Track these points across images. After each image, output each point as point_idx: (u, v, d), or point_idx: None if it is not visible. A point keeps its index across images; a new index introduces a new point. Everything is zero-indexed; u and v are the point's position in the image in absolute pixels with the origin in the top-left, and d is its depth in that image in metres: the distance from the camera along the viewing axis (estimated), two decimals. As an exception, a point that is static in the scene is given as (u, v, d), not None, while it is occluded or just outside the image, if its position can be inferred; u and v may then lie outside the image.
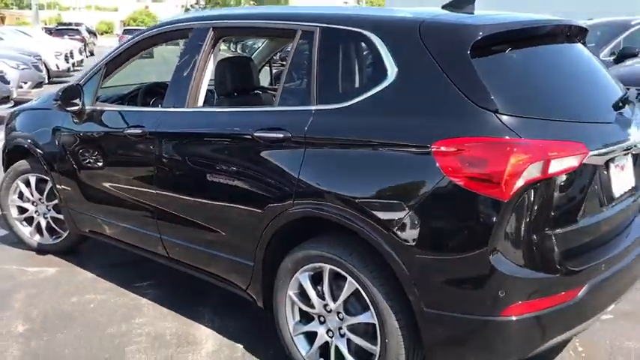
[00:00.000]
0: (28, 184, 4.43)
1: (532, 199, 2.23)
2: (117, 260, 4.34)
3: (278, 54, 5.43)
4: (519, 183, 2.17)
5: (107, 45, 39.13)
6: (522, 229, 2.24)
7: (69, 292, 3.87)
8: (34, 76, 13.19)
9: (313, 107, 2.70)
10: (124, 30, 38.55)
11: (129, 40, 3.82)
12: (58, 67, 17.67)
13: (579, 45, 2.95)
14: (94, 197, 3.83)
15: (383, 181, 2.45)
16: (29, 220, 4.53)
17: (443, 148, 2.27)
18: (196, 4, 59.75)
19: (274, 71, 4.93)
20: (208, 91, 3.45)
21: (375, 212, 2.41)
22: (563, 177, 2.31)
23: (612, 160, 2.58)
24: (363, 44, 2.67)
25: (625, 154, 2.66)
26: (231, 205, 2.99)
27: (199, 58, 3.28)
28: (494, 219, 2.20)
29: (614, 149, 2.53)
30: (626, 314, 3.60)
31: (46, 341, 3.27)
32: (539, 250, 2.29)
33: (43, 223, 4.46)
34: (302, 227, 2.76)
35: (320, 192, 2.60)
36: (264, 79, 4.66)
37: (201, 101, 3.32)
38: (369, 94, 2.55)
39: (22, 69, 12.73)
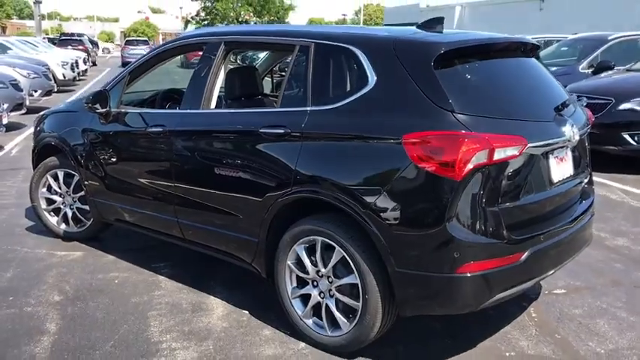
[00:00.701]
0: (56, 178, 5.00)
1: (480, 180, 2.82)
2: (134, 245, 4.91)
3: (277, 65, 6.02)
4: (469, 167, 2.77)
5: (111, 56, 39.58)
6: (473, 203, 2.83)
7: (95, 271, 4.44)
8: (44, 85, 13.79)
9: (309, 108, 3.30)
10: (126, 41, 39.22)
11: (149, 53, 4.43)
12: (64, 77, 18.32)
13: (531, 58, 3.56)
14: (118, 188, 4.40)
15: (364, 167, 3.04)
16: (56, 211, 5.09)
17: (411, 140, 2.86)
18: (196, 16, 60.50)
19: (275, 80, 5.54)
20: (218, 96, 4.04)
21: (357, 193, 3.00)
22: (507, 163, 2.90)
23: (551, 151, 3.17)
24: (350, 57, 3.26)
25: (563, 148, 3.26)
26: (240, 190, 3.57)
27: (212, 68, 3.88)
28: (450, 195, 2.79)
29: (551, 143, 3.13)
30: (577, 289, 4.19)
31: (79, 308, 3.84)
32: (488, 220, 2.87)
33: (69, 214, 5.02)
34: (299, 208, 3.34)
35: (314, 178, 3.18)
36: (267, 87, 5.26)
37: (213, 104, 3.91)
38: (354, 97, 3.15)
39: (33, 77, 13.35)
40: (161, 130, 4.00)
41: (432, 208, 2.84)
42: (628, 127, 7.55)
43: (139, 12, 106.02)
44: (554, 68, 10.64)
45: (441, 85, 2.92)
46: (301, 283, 3.41)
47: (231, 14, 59.42)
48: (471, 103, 2.96)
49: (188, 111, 3.94)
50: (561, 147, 3.24)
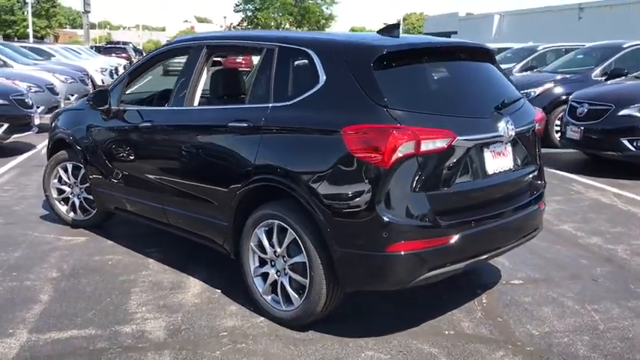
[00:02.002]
0: (65, 170, 5.50)
1: (408, 168, 3.13)
2: (133, 233, 5.35)
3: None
4: (396, 156, 3.08)
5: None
6: (401, 189, 3.14)
7: (93, 253, 4.89)
8: (80, 89, 14.56)
9: (270, 104, 3.67)
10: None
11: (145, 56, 4.88)
12: (102, 82, 19.20)
13: (482, 62, 3.86)
14: (117, 179, 4.85)
15: (310, 157, 3.38)
16: (66, 200, 5.58)
17: (348, 132, 3.19)
18: (238, 25, 61.79)
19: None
20: (205, 95, 4.45)
21: (304, 180, 3.34)
22: (436, 154, 3.20)
23: (486, 145, 3.45)
24: (306, 59, 3.62)
25: (499, 143, 3.52)
26: (212, 179, 3.95)
27: (195, 69, 4.29)
28: (380, 181, 3.12)
29: (484, 137, 3.41)
30: (535, 280, 4.42)
31: (72, 283, 4.28)
32: (416, 205, 3.17)
33: (77, 203, 5.51)
34: (260, 195, 3.70)
35: (270, 167, 3.54)
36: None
37: (196, 102, 4.31)
38: (307, 94, 3.50)
39: (70, 82, 14.13)
40: (149, 125, 4.43)
41: (365, 193, 3.16)
42: (627, 133, 7.66)
43: (184, 21, 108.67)
44: (569, 75, 10.77)
45: (377, 84, 3.25)
46: (262, 262, 3.76)
47: (272, 23, 60.52)
48: (406, 100, 3.28)
49: (173, 108, 4.36)
50: (497, 142, 3.51)
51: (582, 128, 8.13)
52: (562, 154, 9.45)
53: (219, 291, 4.16)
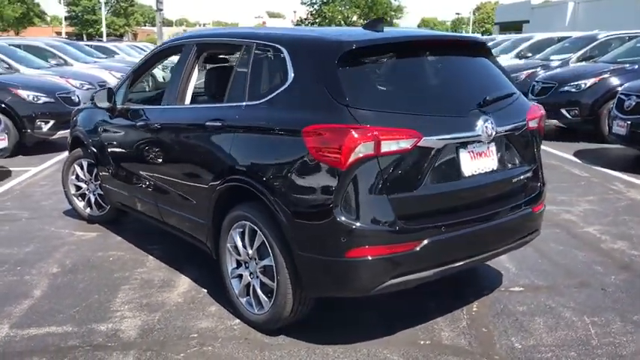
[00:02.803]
0: (81, 167, 5.64)
1: (368, 170, 2.97)
2: (142, 229, 5.41)
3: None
4: (353, 157, 2.93)
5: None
6: (361, 192, 2.99)
7: (98, 249, 4.99)
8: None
9: (244, 103, 3.60)
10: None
11: (146, 55, 4.92)
12: (164, 79, 19.67)
13: (468, 56, 3.62)
14: (119, 175, 4.92)
15: (274, 157, 3.28)
16: (83, 196, 5.74)
17: (308, 132, 3.07)
18: (305, 19, 62.01)
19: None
20: (199, 92, 4.42)
21: (268, 181, 3.25)
22: (398, 155, 3.02)
23: (463, 145, 3.24)
24: (278, 56, 3.51)
25: (479, 143, 3.29)
26: (193, 177, 3.93)
27: (186, 67, 4.28)
28: (337, 184, 2.98)
29: (458, 137, 3.20)
30: (537, 287, 4.14)
31: (68, 279, 4.38)
32: (376, 209, 3.01)
33: (92, 199, 5.64)
34: (235, 195, 3.63)
35: (240, 167, 3.47)
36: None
37: (187, 100, 4.30)
38: (276, 92, 3.40)
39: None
40: (144, 123, 4.46)
41: (323, 196, 3.03)
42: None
43: (256, 17, 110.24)
44: (627, 65, 10.12)
45: (341, 82, 3.10)
46: (238, 264, 3.71)
47: (339, 17, 60.29)
48: (371, 98, 3.12)
49: (163, 106, 4.37)
50: (476, 142, 3.28)
51: (629, 123, 7.60)
52: (612, 149, 8.88)
53: (205, 291, 4.14)
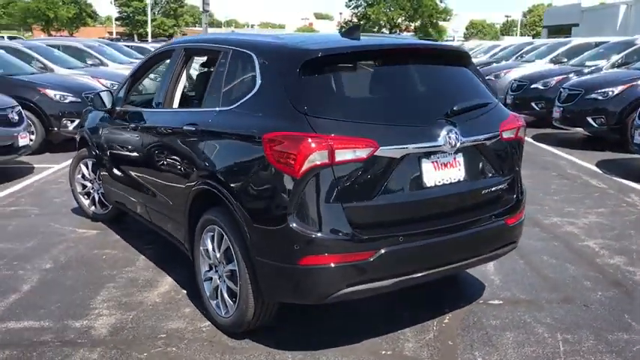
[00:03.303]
0: (87, 166, 5.81)
1: (322, 178, 2.97)
2: (140, 229, 5.51)
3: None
4: (307, 165, 2.94)
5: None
6: (314, 200, 2.99)
7: (94, 247, 5.13)
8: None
9: (218, 108, 3.65)
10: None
11: (143, 60, 5.04)
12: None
13: (440, 64, 3.58)
14: (114, 175, 5.05)
15: (238, 163, 3.33)
16: (88, 194, 5.91)
17: (266, 139, 3.09)
18: (350, 21, 62.02)
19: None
20: (185, 96, 4.50)
21: (232, 187, 3.29)
22: (354, 164, 3.01)
23: (426, 155, 3.20)
24: (250, 62, 3.55)
25: (446, 153, 3.25)
26: (172, 179, 4.01)
27: (174, 71, 4.36)
28: (292, 191, 2.99)
29: (418, 147, 3.16)
30: (517, 301, 4.06)
31: (58, 275, 4.52)
32: (330, 217, 3.01)
33: (97, 197, 5.80)
34: (206, 198, 3.69)
35: (209, 171, 3.53)
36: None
37: (175, 104, 4.38)
38: (245, 99, 3.44)
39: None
40: (134, 126, 4.58)
41: (278, 203, 3.05)
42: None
43: (302, 19, 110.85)
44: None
45: (301, 90, 3.12)
46: (210, 267, 3.76)
47: (384, 19, 60.11)
48: (330, 107, 3.13)
49: (153, 110, 4.47)
50: (439, 152, 3.24)
51: (650, 133, 7.35)
52: (637, 160, 8.58)
53: (185, 292, 4.21)
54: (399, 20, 62.11)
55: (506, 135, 3.58)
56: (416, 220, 3.24)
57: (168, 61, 4.77)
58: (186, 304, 4.03)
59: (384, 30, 62.13)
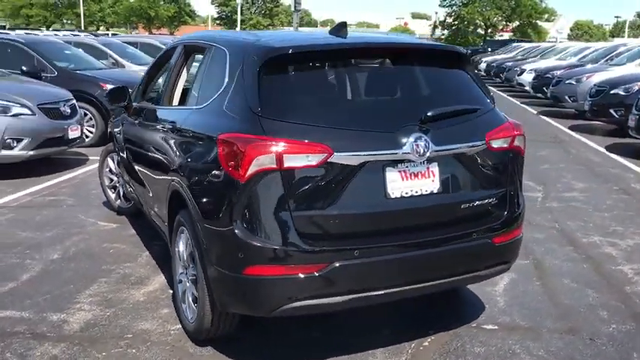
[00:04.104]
0: (113, 160, 5.92)
1: (269, 184, 2.79)
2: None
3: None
4: (252, 170, 2.77)
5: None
6: (261, 207, 2.82)
7: (106, 240, 5.20)
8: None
9: (195, 107, 3.56)
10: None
11: (156, 58, 5.06)
12: None
13: (422, 66, 3.30)
14: (127, 170, 5.10)
15: (199, 164, 3.21)
16: (114, 188, 6.02)
17: (220, 140, 2.95)
18: (444, 21, 60.74)
19: None
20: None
21: (192, 188, 3.18)
22: (306, 170, 2.81)
23: (392, 164, 2.94)
24: (224, 60, 3.41)
25: (415, 162, 2.96)
26: (157, 178, 3.97)
27: (174, 69, 4.32)
28: (238, 197, 2.83)
29: (379, 155, 2.90)
30: (514, 328, 3.69)
31: (60, 266, 4.60)
32: (277, 226, 2.82)
33: (121, 191, 5.90)
34: (179, 198, 3.59)
35: (177, 172, 3.44)
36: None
37: (175, 100, 4.33)
38: (213, 98, 3.32)
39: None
40: (139, 122, 4.59)
41: (225, 208, 2.91)
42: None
43: (397, 18, 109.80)
44: None
45: (259, 90, 2.96)
46: (183, 269, 3.67)
47: (478, 19, 58.34)
48: (288, 109, 2.94)
49: (152, 107, 4.46)
50: (407, 161, 2.96)
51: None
52: None
53: (171, 292, 4.14)
54: (495, 20, 60.04)
55: (496, 144, 3.24)
56: (377, 233, 2.98)
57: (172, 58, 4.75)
58: (166, 304, 3.96)
59: (479, 30, 60.34)
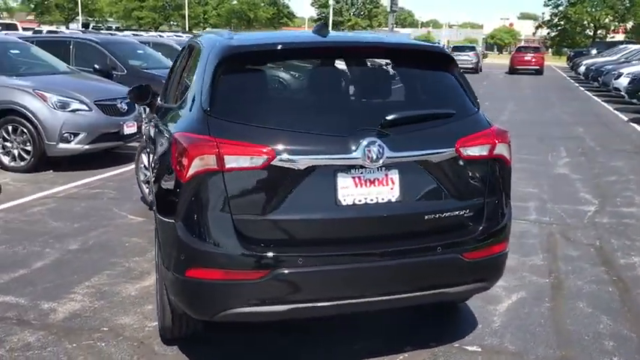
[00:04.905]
0: (147, 155, 6.09)
1: (211, 185, 2.72)
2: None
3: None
4: (193, 170, 2.72)
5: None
6: (201, 208, 2.76)
7: (126, 234, 5.35)
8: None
9: (175, 105, 3.57)
10: (454, 47, 40.16)
11: (177, 56, 5.14)
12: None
13: (398, 66, 3.11)
14: (148, 166, 5.22)
15: (160, 161, 3.23)
16: (148, 183, 6.19)
17: (174, 138, 2.93)
18: (549, 21, 58.00)
19: None
20: None
21: (153, 185, 3.19)
22: (250, 173, 2.71)
23: (345, 170, 2.78)
24: (199, 59, 3.38)
25: (366, 168, 2.79)
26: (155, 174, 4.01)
27: (179, 68, 4.37)
28: (181, 196, 2.79)
29: (326, 159, 2.76)
30: (498, 352, 3.43)
31: (74, 257, 4.77)
32: (218, 228, 2.75)
33: (153, 187, 6.07)
34: None
35: (151, 168, 3.46)
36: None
37: (177, 99, 4.35)
38: (185, 96, 3.30)
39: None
40: (154, 119, 4.67)
41: (172, 208, 2.88)
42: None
43: (501, 18, 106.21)
44: None
45: (210, 89, 2.91)
46: (162, 266, 3.69)
47: (587, 19, 55.23)
48: (234, 109, 2.87)
49: (159, 104, 4.52)
50: (360, 166, 2.79)
51: None
52: None
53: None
54: (607, 21, 56.55)
55: (471, 152, 2.99)
56: (325, 241, 2.83)
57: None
58: (154, 301, 3.99)
59: (587, 31, 57.16)
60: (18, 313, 3.78)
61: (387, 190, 2.86)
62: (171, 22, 66.66)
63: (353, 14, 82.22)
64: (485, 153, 3.03)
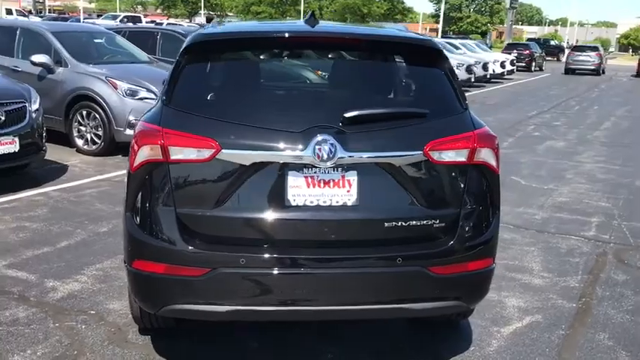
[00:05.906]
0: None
1: (156, 176, 2.65)
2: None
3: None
4: (140, 160, 2.67)
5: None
6: (146, 199, 2.70)
7: (157, 220, 5.44)
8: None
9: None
10: (574, 47, 37.72)
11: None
12: (494, 71, 23.52)
13: (374, 60, 2.87)
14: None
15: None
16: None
17: (139, 130, 2.88)
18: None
19: None
20: None
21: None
22: (195, 166, 2.61)
23: (297, 168, 2.60)
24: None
25: (319, 168, 2.59)
26: None
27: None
28: (129, 187, 2.76)
29: (273, 156, 2.59)
30: (479, 380, 3.07)
31: (98, 239, 4.92)
32: (161, 221, 2.67)
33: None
34: None
35: None
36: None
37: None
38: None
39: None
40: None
41: (124, 199, 2.84)
42: None
43: (637, 17, 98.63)
44: None
45: (175, 78, 2.84)
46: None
47: None
48: (188, 99, 2.78)
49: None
50: (313, 165, 2.59)
51: None
52: None
53: (166, 277, 4.20)
54: None
55: (443, 157, 2.69)
56: (270, 242, 2.66)
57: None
58: (151, 289, 4.02)
59: None
60: (22, 289, 3.94)
61: (343, 193, 2.64)
62: (288, 17, 68.10)
63: (473, 10, 79.83)
64: (462, 159, 2.72)
